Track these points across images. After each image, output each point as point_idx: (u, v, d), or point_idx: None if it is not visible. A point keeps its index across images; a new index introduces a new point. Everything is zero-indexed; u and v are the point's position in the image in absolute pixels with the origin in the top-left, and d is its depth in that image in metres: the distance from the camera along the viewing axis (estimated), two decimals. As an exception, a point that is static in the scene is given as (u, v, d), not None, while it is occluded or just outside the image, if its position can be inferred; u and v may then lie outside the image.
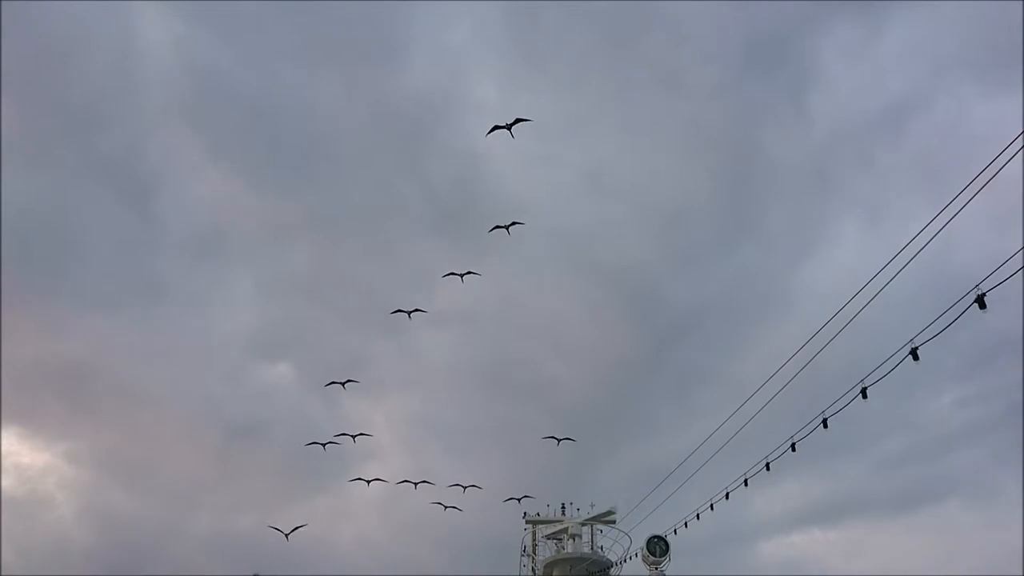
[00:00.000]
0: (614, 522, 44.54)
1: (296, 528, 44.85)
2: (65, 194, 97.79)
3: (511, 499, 46.85)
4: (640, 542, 36.71)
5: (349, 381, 45.59)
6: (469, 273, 43.21)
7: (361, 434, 46.86)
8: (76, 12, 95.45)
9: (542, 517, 48.38)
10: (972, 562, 79.07)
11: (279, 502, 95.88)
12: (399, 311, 44.44)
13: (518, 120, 36.83)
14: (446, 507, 46.86)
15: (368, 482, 47.29)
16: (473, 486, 46.40)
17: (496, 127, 36.84)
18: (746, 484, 27.64)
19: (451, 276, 43.14)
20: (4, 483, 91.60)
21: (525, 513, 48.69)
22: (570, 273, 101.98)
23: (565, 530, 46.10)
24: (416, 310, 44.44)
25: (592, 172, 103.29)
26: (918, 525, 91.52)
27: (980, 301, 16.16)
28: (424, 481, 46.83)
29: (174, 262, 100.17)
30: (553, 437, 45.65)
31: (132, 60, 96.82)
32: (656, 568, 35.57)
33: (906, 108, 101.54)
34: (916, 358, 18.10)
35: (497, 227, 41.50)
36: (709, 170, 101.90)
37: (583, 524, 45.75)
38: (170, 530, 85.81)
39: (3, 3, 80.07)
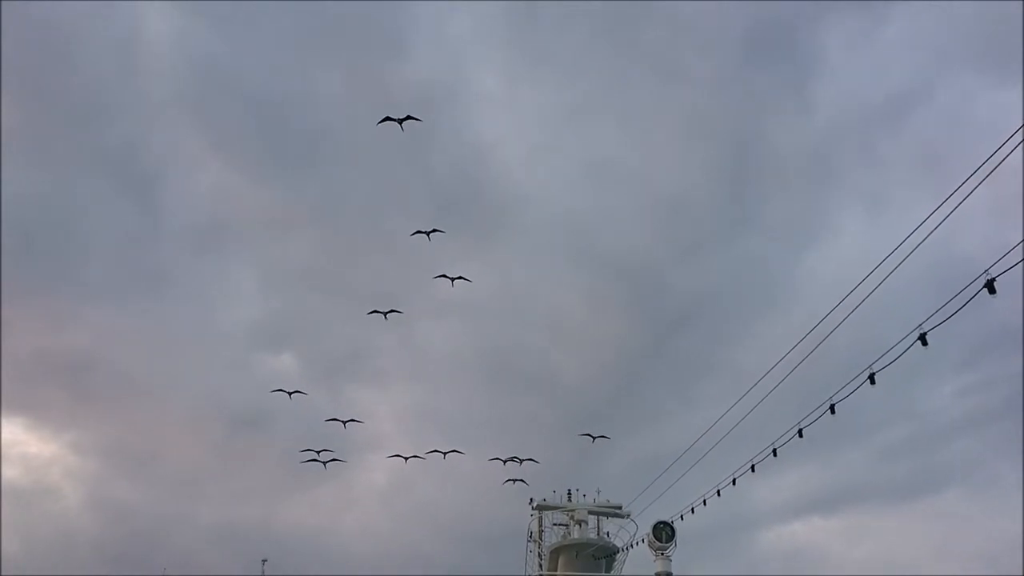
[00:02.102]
0: (628, 515, 44.97)
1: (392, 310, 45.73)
2: (68, 187, 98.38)
3: (495, 459, 47.87)
4: (646, 528, 37.07)
5: (392, 311, 45.69)
6: (460, 278, 44.54)
7: (352, 420, 47.62)
8: (78, 6, 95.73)
9: (549, 503, 48.89)
10: (971, 552, 79.66)
11: (283, 492, 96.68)
12: (375, 311, 45.24)
13: (409, 117, 38.06)
14: (515, 481, 47.76)
15: (406, 459, 48.11)
16: (530, 458, 47.37)
17: (388, 118, 37.91)
18: (753, 470, 27.95)
19: (442, 278, 44.67)
20: (11, 473, 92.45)
21: (532, 499, 49.28)
22: (572, 263, 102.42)
23: (572, 515, 46.51)
24: (392, 311, 45.19)
25: (594, 162, 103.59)
26: (918, 514, 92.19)
27: (989, 286, 16.12)
28: (454, 450, 47.97)
29: (177, 254, 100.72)
30: (588, 435, 46.73)
31: (134, 53, 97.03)
32: (662, 554, 35.86)
33: (909, 98, 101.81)
34: (925, 343, 18.10)
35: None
36: (711, 160, 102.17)
37: (591, 513, 46.17)
38: (174, 520, 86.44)
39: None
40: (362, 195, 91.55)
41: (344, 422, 47.00)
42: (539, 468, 48.23)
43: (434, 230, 42.60)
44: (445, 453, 47.81)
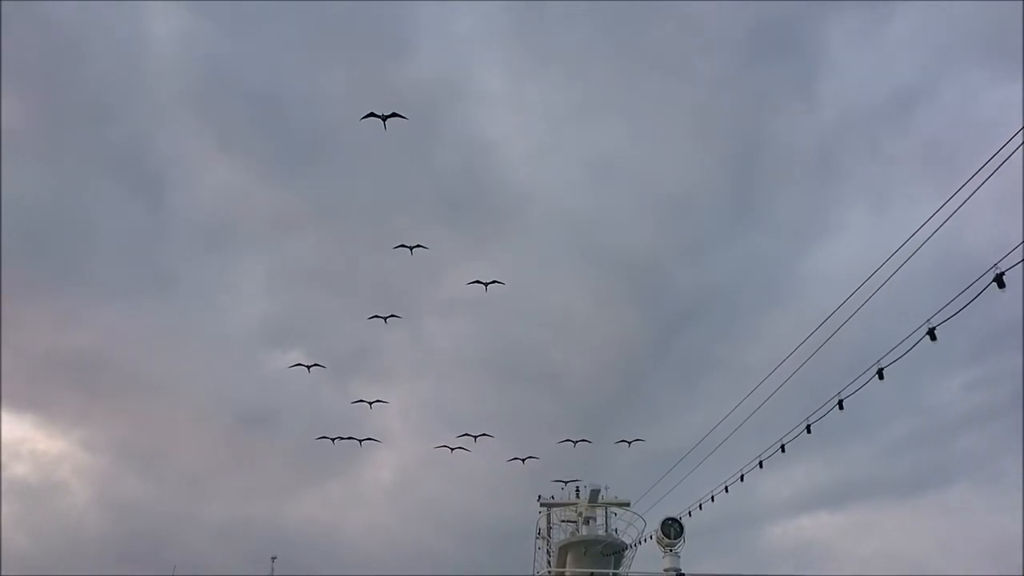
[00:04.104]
0: (628, 504, 45.28)
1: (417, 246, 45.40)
2: (76, 187, 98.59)
3: (515, 459, 49.29)
4: (654, 524, 37.15)
5: (392, 316, 46.78)
6: (494, 282, 45.12)
7: (378, 400, 48.67)
8: (84, 6, 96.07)
9: (556, 500, 49.06)
10: (977, 547, 79.59)
11: (291, 489, 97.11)
12: (376, 316, 46.39)
13: (395, 114, 38.13)
14: (566, 483, 48.64)
15: (452, 449, 49.36)
16: (584, 439, 48.63)
17: (371, 114, 37.97)
18: (761, 466, 28.06)
19: (475, 284, 45.15)
20: (21, 470, 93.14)
21: (540, 496, 49.44)
22: (577, 261, 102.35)
23: (579, 513, 46.72)
24: (392, 315, 46.38)
25: (598, 160, 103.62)
26: (924, 509, 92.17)
27: (999, 280, 16.13)
28: (484, 434, 49.05)
29: (184, 253, 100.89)
30: (624, 441, 48.34)
31: (140, 53, 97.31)
32: (670, 550, 35.92)
33: (912, 95, 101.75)
34: (934, 338, 18.11)
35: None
36: (716, 157, 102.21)
37: (594, 505, 46.41)
38: (183, 517, 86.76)
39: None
40: (367, 193, 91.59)
41: (371, 403, 48.11)
42: (546, 467, 48.78)
43: (417, 245, 43.28)
44: (476, 437, 48.93)
